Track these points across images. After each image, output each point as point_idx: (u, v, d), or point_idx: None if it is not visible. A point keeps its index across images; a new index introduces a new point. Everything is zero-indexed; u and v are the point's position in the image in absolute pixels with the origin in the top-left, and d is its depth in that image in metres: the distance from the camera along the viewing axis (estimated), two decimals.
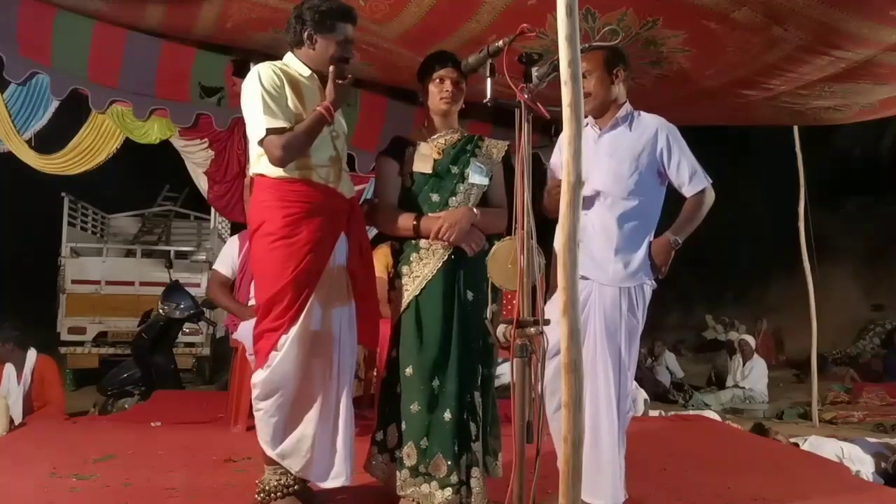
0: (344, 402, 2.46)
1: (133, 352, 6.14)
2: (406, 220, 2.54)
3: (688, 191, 2.64)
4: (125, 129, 5.10)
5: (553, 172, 2.83)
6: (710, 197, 2.66)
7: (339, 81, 2.35)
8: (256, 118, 2.30)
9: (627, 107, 2.68)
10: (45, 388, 4.99)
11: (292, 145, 2.30)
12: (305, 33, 2.40)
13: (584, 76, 2.54)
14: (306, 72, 2.43)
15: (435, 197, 2.58)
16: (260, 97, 2.30)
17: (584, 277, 2.53)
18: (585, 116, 2.64)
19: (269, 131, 2.28)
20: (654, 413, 5.58)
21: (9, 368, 4.88)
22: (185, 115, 5.05)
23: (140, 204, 11.47)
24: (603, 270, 2.57)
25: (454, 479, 2.39)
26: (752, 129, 10.15)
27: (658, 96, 4.10)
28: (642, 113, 2.69)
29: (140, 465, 3.14)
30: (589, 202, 2.56)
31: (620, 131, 2.65)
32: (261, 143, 2.31)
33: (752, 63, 3.69)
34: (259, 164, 2.41)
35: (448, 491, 2.39)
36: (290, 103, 2.35)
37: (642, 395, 5.90)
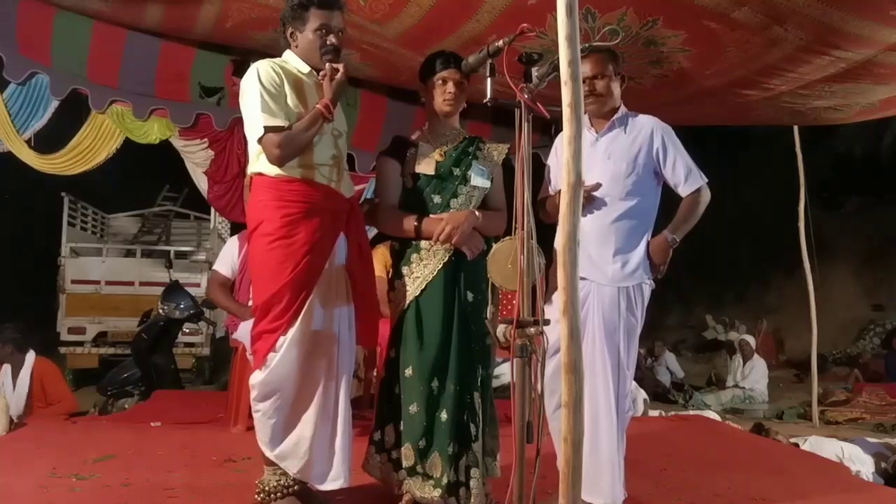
0: (342, 404, 2.44)
1: (133, 352, 6.14)
2: (408, 222, 2.53)
3: (684, 190, 2.65)
4: (125, 128, 5.10)
5: (549, 173, 2.83)
6: (706, 196, 2.66)
7: (337, 78, 2.32)
8: (255, 116, 2.29)
9: (623, 108, 2.69)
10: (48, 389, 4.98)
11: (290, 144, 2.28)
12: (288, 32, 2.40)
13: (596, 77, 2.56)
14: (305, 68, 2.42)
15: (437, 198, 2.57)
16: (258, 95, 2.28)
17: (582, 278, 2.53)
18: (594, 116, 2.64)
19: (267, 129, 2.27)
20: (654, 413, 5.58)
21: (6, 369, 4.88)
22: (184, 115, 5.05)
23: (140, 204, 11.47)
24: (601, 271, 2.57)
25: (446, 479, 2.38)
26: (752, 129, 10.15)
27: (658, 96, 4.10)
28: (637, 114, 2.71)
29: (140, 465, 3.14)
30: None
31: (616, 133, 2.66)
32: (259, 141, 2.30)
33: (753, 63, 3.69)
34: (258, 162, 2.39)
35: (438, 491, 2.38)
36: (289, 101, 2.33)
37: (642, 394, 5.90)
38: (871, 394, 7.79)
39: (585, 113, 2.64)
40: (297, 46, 2.41)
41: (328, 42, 2.36)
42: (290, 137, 2.28)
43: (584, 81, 2.54)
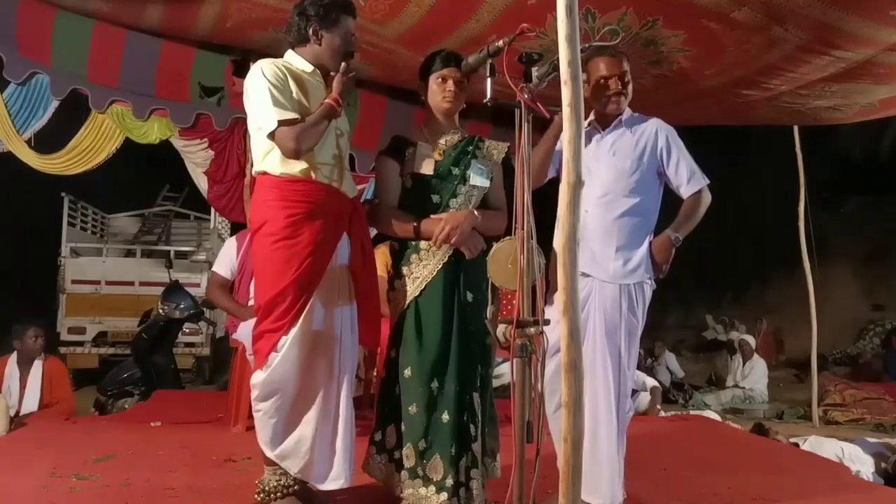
0: (344, 404, 2.45)
1: (133, 352, 6.13)
2: (407, 222, 2.53)
3: (686, 190, 2.66)
4: (125, 128, 5.10)
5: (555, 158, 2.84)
6: (707, 197, 2.68)
7: (350, 75, 2.37)
8: (266, 112, 2.28)
9: (628, 109, 2.70)
10: (55, 388, 4.99)
11: (306, 136, 2.28)
12: (310, 29, 2.40)
13: (623, 76, 2.59)
14: (309, 68, 2.43)
15: (436, 198, 2.56)
16: (267, 91, 2.28)
17: (584, 275, 2.55)
18: (614, 115, 2.66)
19: (281, 123, 2.26)
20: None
21: (11, 367, 4.88)
22: (184, 115, 5.05)
23: (140, 204, 11.48)
24: (603, 268, 2.58)
25: (450, 481, 2.38)
26: (752, 129, 10.14)
27: (658, 96, 4.10)
28: (642, 115, 2.72)
29: (140, 465, 3.14)
30: (590, 200, 2.57)
31: (622, 132, 2.67)
32: (272, 136, 2.29)
33: (752, 63, 3.69)
34: (264, 162, 2.39)
35: (444, 495, 2.38)
36: (294, 97, 2.34)
37: (651, 382, 5.91)
38: (869, 393, 7.79)
39: (607, 111, 2.65)
40: (319, 45, 2.41)
41: (350, 48, 2.45)
42: (305, 129, 2.28)
43: (612, 78, 2.59)
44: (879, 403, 7.47)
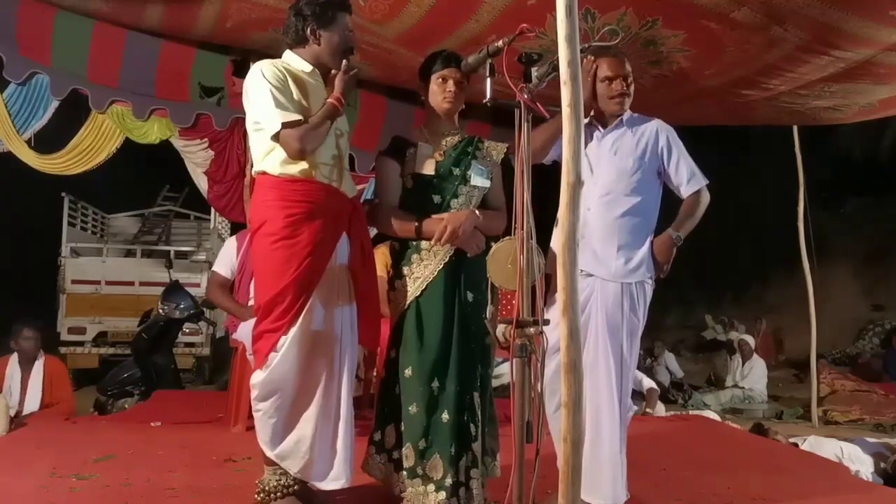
0: (344, 404, 2.45)
1: (133, 352, 6.14)
2: (408, 222, 2.53)
3: (686, 190, 2.68)
4: (125, 129, 5.10)
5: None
6: (706, 197, 2.70)
7: (351, 73, 2.37)
8: (268, 113, 2.28)
9: (628, 110, 2.71)
10: (55, 388, 4.99)
11: (311, 136, 2.28)
12: (308, 29, 2.40)
13: (627, 77, 2.61)
14: (308, 68, 2.43)
15: (437, 198, 2.57)
16: (269, 93, 2.28)
17: (587, 274, 2.55)
18: (617, 116, 2.67)
19: (285, 125, 2.26)
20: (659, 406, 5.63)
21: (12, 368, 4.87)
22: (184, 115, 5.06)
23: (140, 204, 11.49)
24: (605, 266, 2.59)
25: (449, 481, 2.38)
26: (752, 129, 10.14)
27: (658, 96, 4.10)
28: (641, 115, 2.73)
29: (140, 465, 3.14)
30: (592, 199, 2.57)
31: (623, 131, 2.68)
32: (275, 137, 2.29)
33: (752, 63, 3.69)
34: (264, 162, 2.39)
35: (443, 493, 2.38)
36: (295, 98, 2.34)
37: (648, 382, 5.92)
38: (860, 385, 7.81)
39: (610, 112, 2.66)
40: (318, 45, 2.41)
41: (348, 45, 2.45)
42: (309, 130, 2.28)
43: (617, 79, 2.61)
44: (870, 396, 7.50)
